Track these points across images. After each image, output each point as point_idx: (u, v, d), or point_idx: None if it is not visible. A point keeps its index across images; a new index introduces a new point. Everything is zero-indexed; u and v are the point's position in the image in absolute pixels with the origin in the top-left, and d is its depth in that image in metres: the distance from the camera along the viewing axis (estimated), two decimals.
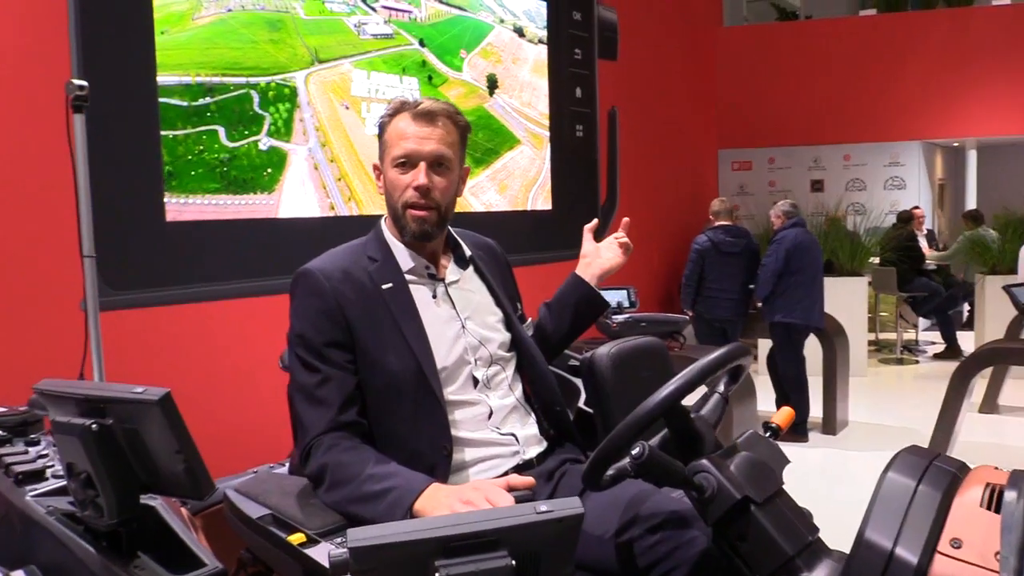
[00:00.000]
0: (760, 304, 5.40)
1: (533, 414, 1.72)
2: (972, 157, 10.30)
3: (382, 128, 1.64)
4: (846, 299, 6.57)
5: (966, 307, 8.25)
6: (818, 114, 8.79)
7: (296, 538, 1.31)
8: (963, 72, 8.37)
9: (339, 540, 1.32)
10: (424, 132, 1.59)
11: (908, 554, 1.02)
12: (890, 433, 5.36)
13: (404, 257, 1.65)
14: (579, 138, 6.67)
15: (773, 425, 1.41)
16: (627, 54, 7.01)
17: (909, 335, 8.27)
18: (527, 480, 1.36)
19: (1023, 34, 8.13)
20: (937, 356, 7.79)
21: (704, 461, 1.26)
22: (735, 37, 9.23)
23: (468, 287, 1.71)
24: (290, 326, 1.60)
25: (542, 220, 5.96)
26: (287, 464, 2.12)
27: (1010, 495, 1.08)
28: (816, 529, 1.29)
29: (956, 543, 1.02)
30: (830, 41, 8.81)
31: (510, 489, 1.32)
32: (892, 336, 8.20)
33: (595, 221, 1.96)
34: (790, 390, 5.28)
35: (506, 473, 1.60)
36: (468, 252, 1.74)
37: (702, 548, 1.40)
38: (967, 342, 7.69)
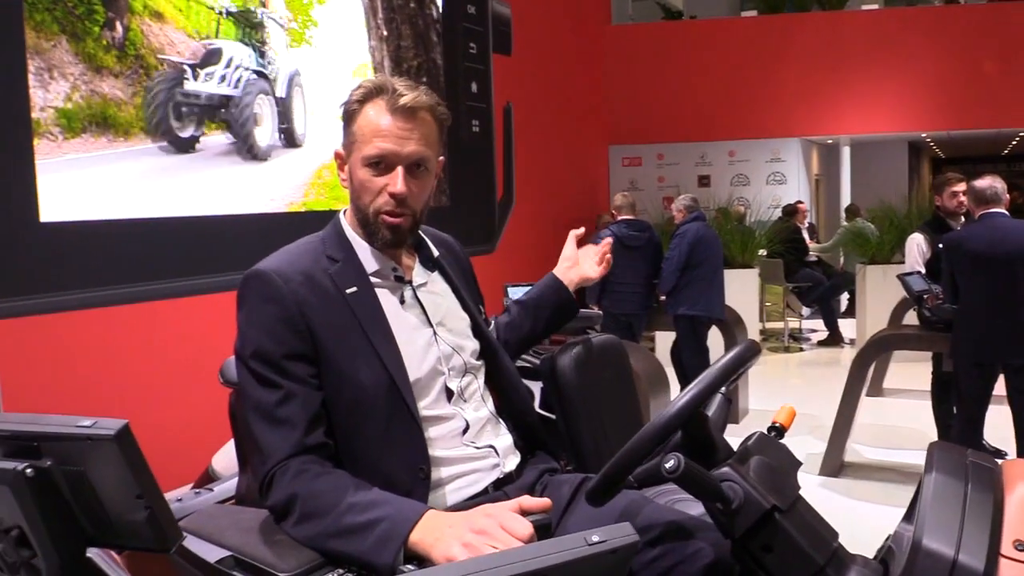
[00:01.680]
0: (664, 297, 5.44)
1: (503, 424, 1.59)
2: (846, 153, 10.89)
3: (351, 115, 1.42)
4: (739, 291, 6.75)
5: (845, 296, 8.68)
6: (704, 111, 9.03)
7: None
8: (836, 72, 8.80)
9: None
10: (404, 130, 1.38)
11: (973, 561, 0.95)
12: None
13: (368, 258, 1.46)
14: (475, 133, 6.56)
15: (777, 425, 1.34)
16: (519, 50, 6.95)
17: (794, 323, 8.62)
18: (543, 502, 1.22)
19: (890, 37, 8.63)
20: (821, 343, 8.16)
21: (728, 469, 1.16)
22: (623, 35, 9.36)
23: (436, 290, 1.55)
24: (240, 337, 1.39)
25: (439, 215, 5.81)
26: (215, 489, 1.90)
27: None
28: (836, 534, 1.23)
29: (1020, 546, 0.96)
30: (715, 40, 9.07)
31: (523, 513, 1.18)
32: (778, 325, 8.52)
33: (582, 229, 1.91)
34: None
35: (486, 489, 1.46)
36: (435, 252, 1.58)
37: (709, 561, 1.31)
38: (847, 329, 8.09)
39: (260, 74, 4.18)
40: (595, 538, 0.87)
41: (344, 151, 1.46)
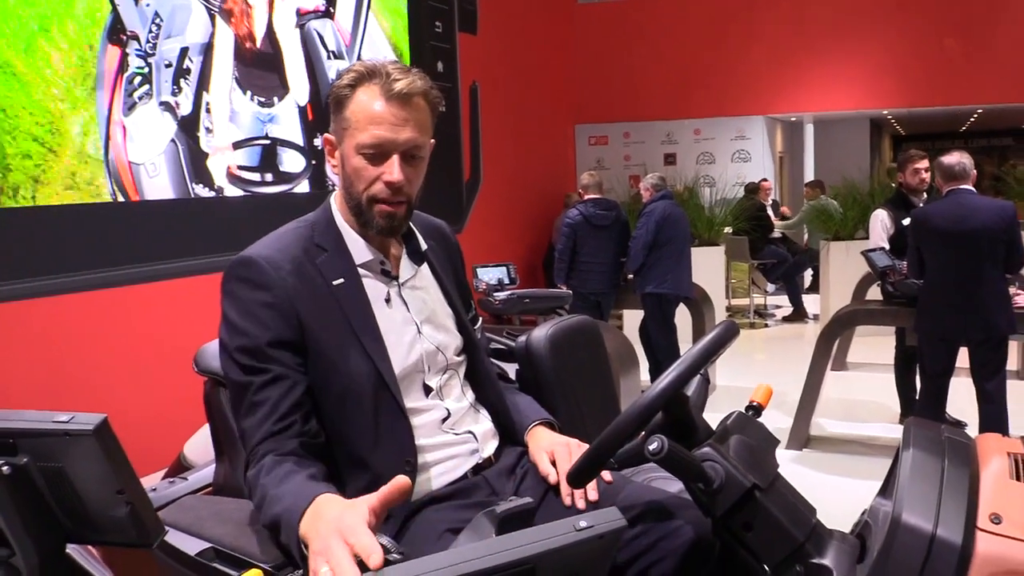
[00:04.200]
0: (631, 276, 5.47)
1: (483, 410, 1.58)
2: (809, 131, 11.00)
3: (341, 100, 1.38)
4: (705, 268, 6.81)
5: (809, 272, 8.81)
6: (670, 90, 9.05)
7: (253, 574, 1.11)
8: (800, 50, 8.86)
9: (301, 573, 1.13)
10: (399, 117, 1.34)
11: (950, 535, 0.98)
12: None
13: (358, 248, 1.44)
14: (441, 113, 6.48)
15: (755, 404, 1.35)
16: (485, 29, 6.90)
17: (759, 300, 8.73)
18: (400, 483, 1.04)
19: (852, 15, 8.70)
20: (786, 319, 8.28)
21: (708, 449, 1.17)
22: (590, 13, 9.33)
23: (421, 285, 1.52)
24: (224, 325, 1.36)
25: None
26: (189, 478, 1.88)
27: None
28: (814, 510, 1.25)
29: (996, 519, 0.98)
30: (680, 19, 9.07)
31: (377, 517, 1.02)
32: (743, 302, 8.62)
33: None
34: (663, 359, 5.39)
35: (465, 475, 1.47)
36: (423, 245, 1.54)
37: (690, 538, 1.32)
38: (811, 305, 8.21)
39: None
40: (583, 524, 0.88)
41: (335, 137, 1.42)
